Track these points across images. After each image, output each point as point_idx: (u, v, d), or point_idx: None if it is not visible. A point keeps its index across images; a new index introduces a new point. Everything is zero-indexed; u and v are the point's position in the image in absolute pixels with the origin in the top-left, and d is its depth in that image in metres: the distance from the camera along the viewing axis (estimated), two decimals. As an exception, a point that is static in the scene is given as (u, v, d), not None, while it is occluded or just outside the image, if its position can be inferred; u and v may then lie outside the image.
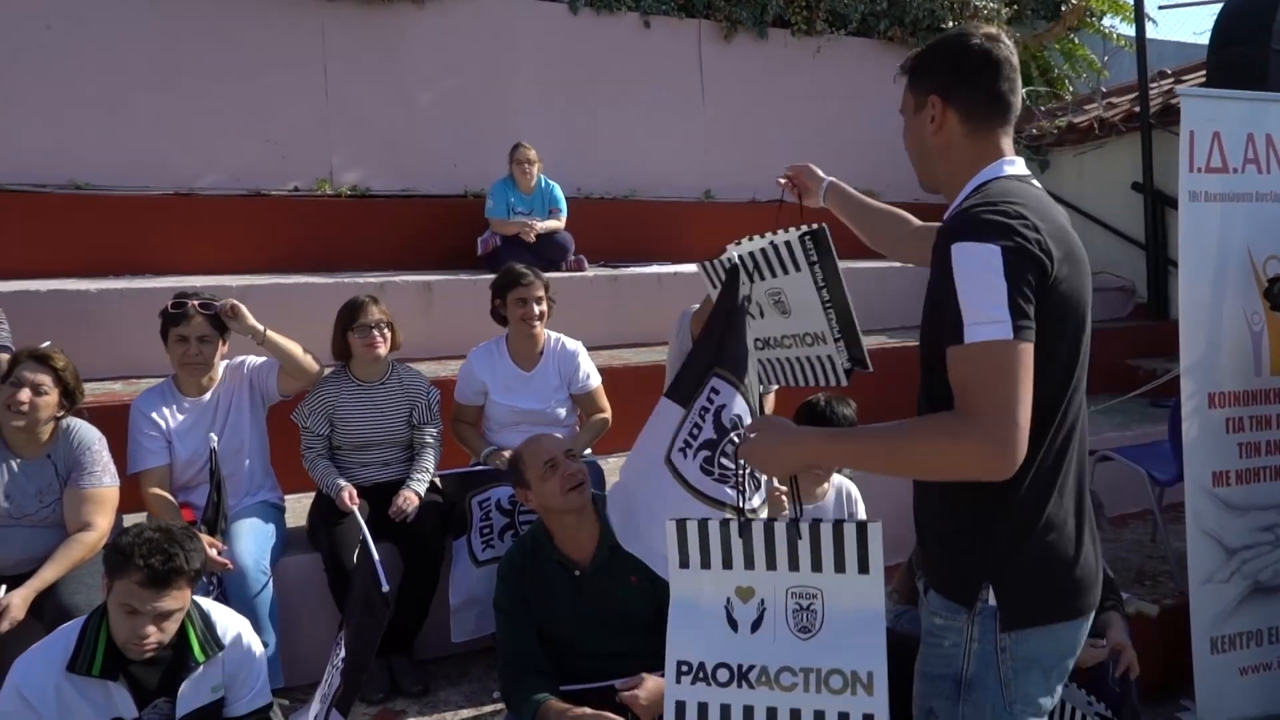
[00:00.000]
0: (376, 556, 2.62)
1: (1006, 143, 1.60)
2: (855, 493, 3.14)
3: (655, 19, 7.05)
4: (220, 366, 3.22)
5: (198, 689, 2.26)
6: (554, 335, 3.69)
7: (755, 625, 1.36)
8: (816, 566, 1.42)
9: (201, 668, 2.25)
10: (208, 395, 3.17)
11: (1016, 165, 1.59)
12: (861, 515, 3.02)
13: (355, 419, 3.34)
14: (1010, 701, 1.52)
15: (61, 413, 2.83)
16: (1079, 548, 1.55)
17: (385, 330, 3.35)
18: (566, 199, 5.92)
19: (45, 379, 2.76)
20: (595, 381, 3.71)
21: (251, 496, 3.21)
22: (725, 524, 1.44)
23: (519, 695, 2.41)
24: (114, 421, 3.14)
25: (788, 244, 1.71)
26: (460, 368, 3.69)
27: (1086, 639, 2.72)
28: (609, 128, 6.88)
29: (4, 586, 2.62)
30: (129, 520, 2.98)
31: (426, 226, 5.95)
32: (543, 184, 5.80)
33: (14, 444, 2.79)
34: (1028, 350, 1.37)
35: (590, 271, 5.79)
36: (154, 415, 3.08)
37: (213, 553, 2.86)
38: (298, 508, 3.50)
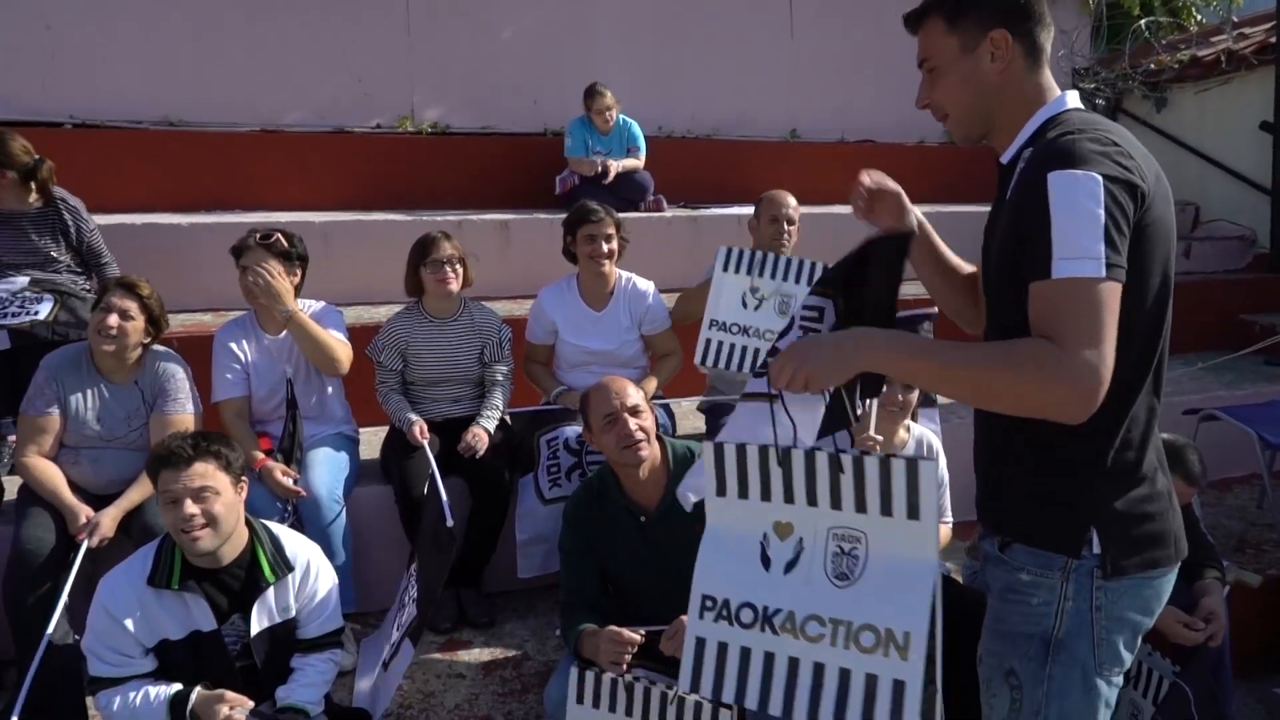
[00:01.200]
0: (444, 492, 2.64)
1: (1051, 76, 1.56)
2: (938, 445, 3.01)
3: (743, -52, 6.77)
4: (302, 304, 3.25)
5: (269, 609, 2.34)
6: (625, 275, 3.63)
7: (790, 566, 1.24)
8: (860, 507, 1.27)
9: (272, 588, 2.32)
10: (285, 331, 3.22)
11: (1074, 97, 1.53)
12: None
13: (427, 355, 3.36)
14: (1100, 662, 1.49)
15: (148, 339, 2.92)
16: (1170, 496, 1.55)
17: (457, 266, 3.34)
18: (646, 137, 5.79)
19: (132, 305, 2.85)
20: (667, 322, 3.64)
21: (327, 428, 3.27)
22: (764, 450, 1.30)
23: (571, 629, 2.43)
24: (200, 351, 3.22)
25: (826, 266, 1.58)
26: (531, 307, 3.67)
27: (1182, 617, 2.64)
28: (692, 64, 6.68)
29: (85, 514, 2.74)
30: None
31: (505, 164, 5.92)
32: (621, 122, 5.68)
33: (105, 369, 2.90)
34: (1116, 290, 1.31)
35: (669, 212, 5.67)
36: (234, 347, 3.14)
37: (288, 481, 2.95)
38: (374, 440, 3.57)
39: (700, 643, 1.23)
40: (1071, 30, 7.26)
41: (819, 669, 1.15)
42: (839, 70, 7.01)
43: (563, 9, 6.38)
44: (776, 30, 6.96)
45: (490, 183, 5.85)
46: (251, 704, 2.23)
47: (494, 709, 2.75)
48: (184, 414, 2.92)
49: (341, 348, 3.16)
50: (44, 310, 3.34)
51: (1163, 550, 1.51)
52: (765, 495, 1.28)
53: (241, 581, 2.32)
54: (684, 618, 2.26)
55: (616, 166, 5.53)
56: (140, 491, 2.78)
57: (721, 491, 1.29)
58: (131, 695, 2.21)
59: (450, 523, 2.46)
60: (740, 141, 6.67)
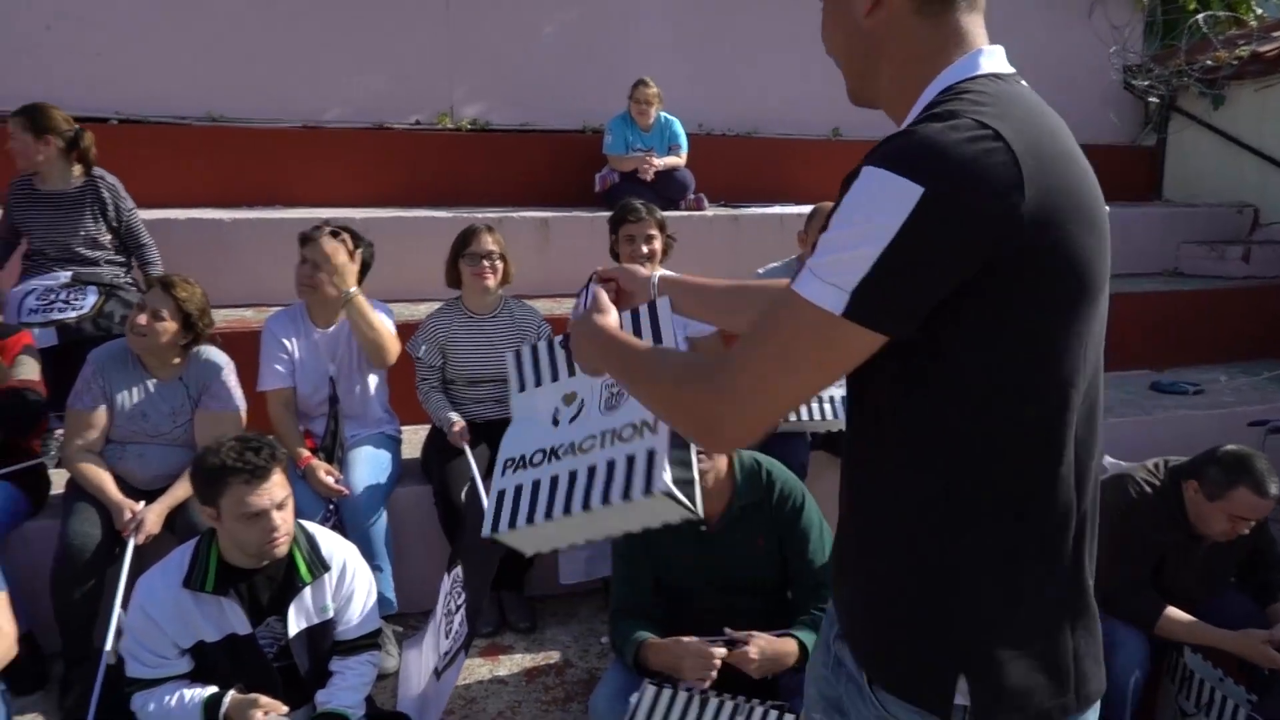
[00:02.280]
0: (485, 499, 2.58)
1: (976, 24, 1.08)
2: None
3: (787, -57, 6.65)
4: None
5: (306, 609, 2.30)
6: (668, 275, 3.55)
7: (573, 418, 1.39)
8: None
9: (309, 588, 2.29)
10: (334, 326, 3.18)
11: (994, 57, 1.06)
12: None
13: (466, 351, 3.31)
14: None
15: (184, 340, 2.88)
16: (1075, 617, 1.07)
17: (496, 262, 3.28)
18: (687, 135, 5.71)
19: (166, 306, 2.82)
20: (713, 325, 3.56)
21: (369, 427, 3.23)
22: (551, 342, 1.51)
23: (625, 638, 2.36)
24: (242, 346, 3.21)
25: None
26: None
27: (1263, 635, 2.50)
28: (733, 61, 6.59)
29: (143, 503, 2.73)
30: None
31: (545, 161, 5.87)
32: (662, 120, 5.60)
33: (150, 365, 2.89)
34: (853, 337, 0.94)
35: (710, 211, 5.59)
36: (283, 338, 3.12)
37: (330, 480, 2.91)
38: (414, 439, 3.53)
39: (500, 495, 1.36)
40: (1124, 26, 7.06)
41: (591, 472, 1.27)
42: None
43: (603, 5, 6.32)
44: (818, 24, 6.83)
45: (530, 180, 5.80)
46: (286, 709, 2.20)
47: (537, 718, 2.69)
48: (229, 410, 2.90)
49: (392, 339, 3.13)
50: (88, 304, 3.34)
51: (1066, 694, 1.06)
52: (554, 377, 1.48)
53: (279, 582, 2.28)
54: (756, 633, 2.21)
55: (658, 164, 5.45)
56: (185, 488, 2.76)
57: (521, 388, 1.49)
58: (166, 698, 2.19)
59: (487, 533, 2.39)
60: (781, 139, 6.57)
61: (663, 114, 5.59)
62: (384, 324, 3.12)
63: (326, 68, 5.74)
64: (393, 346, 3.14)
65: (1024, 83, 1.08)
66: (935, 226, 0.90)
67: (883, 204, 0.91)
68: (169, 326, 2.82)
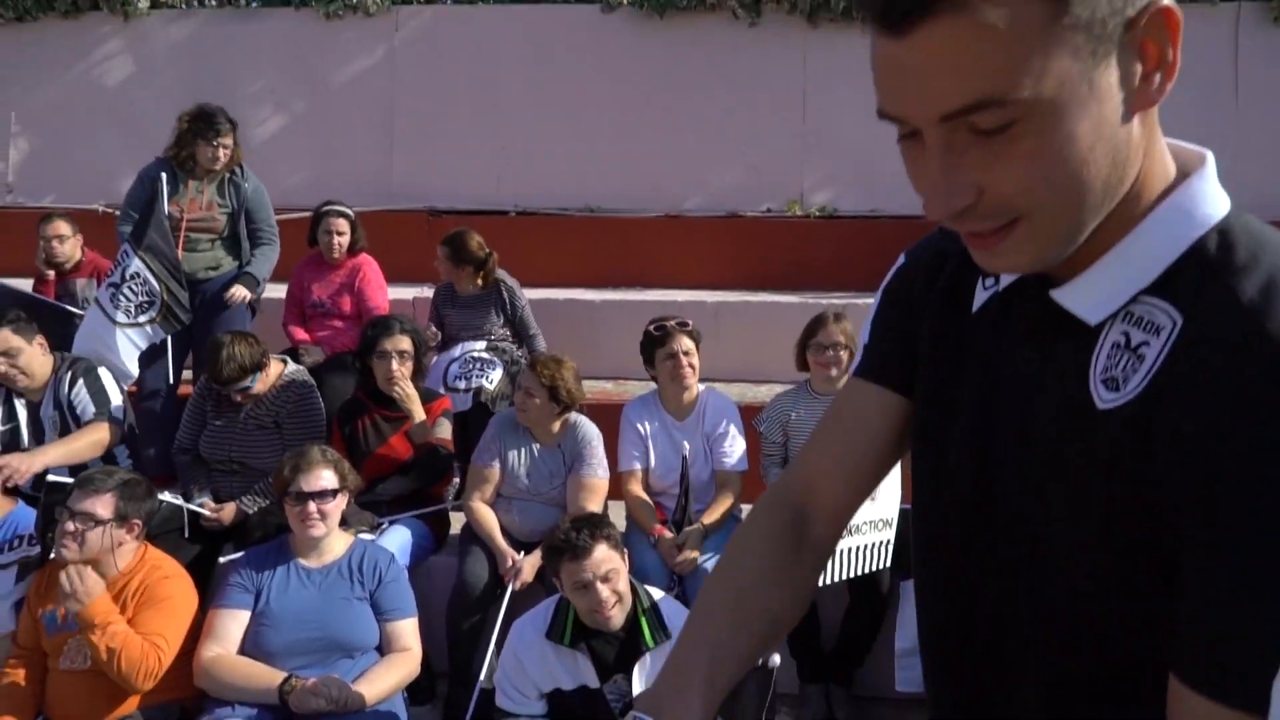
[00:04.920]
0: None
1: None
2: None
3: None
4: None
5: (651, 670, 2.46)
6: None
7: None
8: None
9: (650, 654, 2.46)
10: (691, 416, 3.40)
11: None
12: None
13: (807, 431, 3.35)
14: None
15: (557, 410, 3.23)
16: None
17: (840, 353, 3.32)
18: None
19: (535, 383, 3.18)
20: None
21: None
22: None
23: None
24: (603, 418, 3.54)
25: None
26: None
27: None
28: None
29: (522, 553, 3.10)
30: (613, 506, 3.35)
31: (893, 246, 5.75)
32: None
33: (536, 433, 3.31)
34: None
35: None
36: (638, 424, 3.40)
37: (680, 556, 3.10)
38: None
39: None
40: None
41: None
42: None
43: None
44: (1220, 94, 6.11)
45: (877, 265, 5.74)
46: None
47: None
48: (595, 478, 3.24)
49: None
50: (496, 377, 3.92)
51: None
52: None
53: (623, 642, 2.47)
54: None
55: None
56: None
57: None
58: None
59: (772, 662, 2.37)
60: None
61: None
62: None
63: (690, 160, 6.24)
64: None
65: None
66: (888, 283, 0.92)
67: None
68: (537, 403, 3.19)
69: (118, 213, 4.30)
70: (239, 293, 4.04)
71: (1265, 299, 0.63)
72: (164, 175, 4.02)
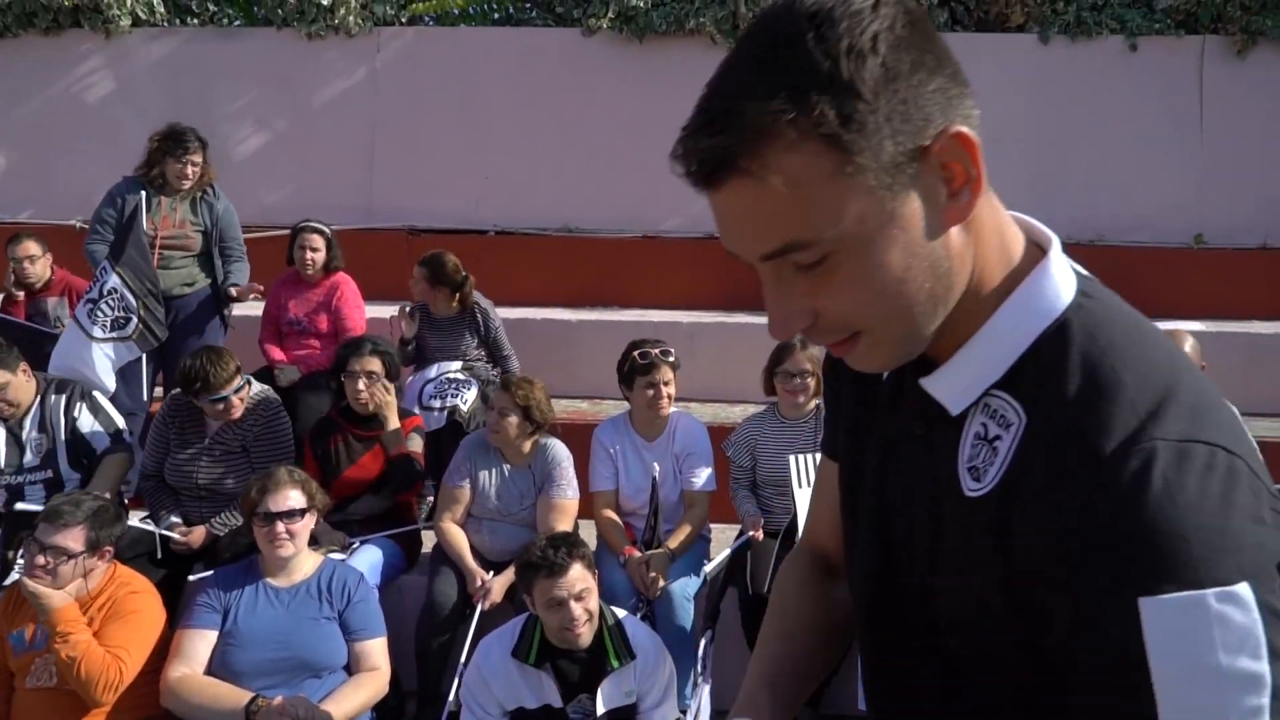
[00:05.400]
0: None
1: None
2: None
3: (1143, 40, 6.23)
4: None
5: (615, 690, 2.51)
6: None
7: None
8: None
9: (615, 673, 2.50)
10: (661, 437, 3.45)
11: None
12: None
13: (775, 456, 3.43)
14: None
15: (529, 429, 3.26)
16: None
17: (808, 380, 3.37)
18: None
19: (507, 404, 3.22)
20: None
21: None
22: None
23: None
24: (578, 437, 3.58)
25: None
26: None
27: None
28: (1080, 164, 6.22)
29: (491, 573, 3.13)
30: (584, 525, 3.38)
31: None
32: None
33: (505, 453, 3.34)
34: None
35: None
36: (609, 446, 3.44)
37: (651, 576, 3.13)
38: (721, 538, 3.67)
39: None
40: None
41: None
42: (1260, 167, 6.11)
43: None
44: (1183, 123, 6.26)
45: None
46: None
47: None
48: (565, 499, 3.27)
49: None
50: (470, 397, 3.96)
51: None
52: None
53: (587, 663, 2.51)
54: None
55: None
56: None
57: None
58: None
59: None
60: (1133, 248, 6.03)
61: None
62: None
63: (665, 184, 6.17)
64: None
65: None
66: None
67: None
68: (511, 421, 3.22)
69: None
70: (243, 287, 4.27)
71: (1095, 394, 0.67)
72: (144, 193, 4.05)
